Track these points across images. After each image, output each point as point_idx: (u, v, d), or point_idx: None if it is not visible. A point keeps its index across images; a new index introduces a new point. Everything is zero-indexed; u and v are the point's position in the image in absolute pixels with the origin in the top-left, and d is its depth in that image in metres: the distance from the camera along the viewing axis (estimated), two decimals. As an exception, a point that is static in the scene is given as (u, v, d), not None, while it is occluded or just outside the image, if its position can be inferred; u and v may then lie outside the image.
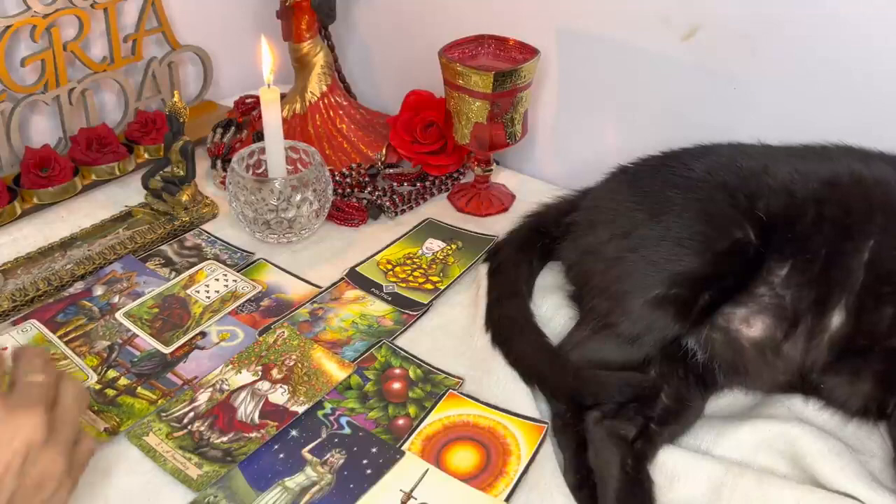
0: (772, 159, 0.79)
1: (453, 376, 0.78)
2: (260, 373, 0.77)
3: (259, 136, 1.09)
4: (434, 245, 0.98)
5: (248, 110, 1.19)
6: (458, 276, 0.92)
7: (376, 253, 0.96)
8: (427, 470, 0.68)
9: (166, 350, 0.80)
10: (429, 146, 1.08)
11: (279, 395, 0.74)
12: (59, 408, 0.57)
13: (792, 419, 0.71)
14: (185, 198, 0.99)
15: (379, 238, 0.99)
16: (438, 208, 1.06)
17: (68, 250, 0.93)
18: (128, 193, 1.05)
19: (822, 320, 0.73)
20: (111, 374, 0.76)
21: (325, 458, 0.68)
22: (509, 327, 0.80)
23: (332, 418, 0.73)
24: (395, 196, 1.05)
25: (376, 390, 0.76)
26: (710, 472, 0.66)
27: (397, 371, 0.78)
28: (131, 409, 0.72)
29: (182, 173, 0.98)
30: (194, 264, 0.92)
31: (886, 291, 0.71)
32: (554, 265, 0.90)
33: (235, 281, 0.90)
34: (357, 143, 1.12)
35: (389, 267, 0.93)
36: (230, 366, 0.78)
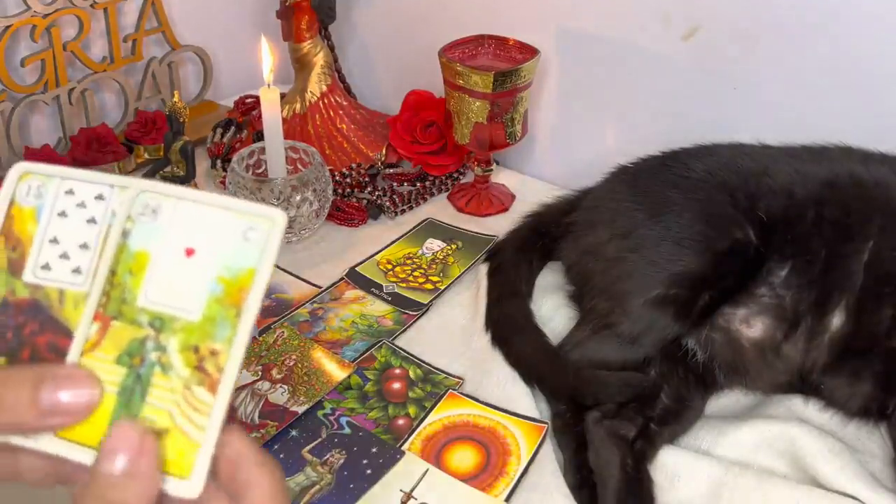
0: (772, 160, 0.79)
1: (453, 376, 0.78)
2: (260, 373, 0.77)
3: (259, 136, 1.09)
4: (434, 245, 0.98)
5: (248, 110, 1.19)
6: (458, 276, 0.92)
7: (376, 253, 0.96)
8: (427, 470, 0.68)
9: None
10: (429, 146, 1.08)
11: (279, 395, 0.74)
12: None
13: (792, 419, 0.71)
14: (185, 198, 0.99)
15: (379, 238, 0.99)
16: (438, 208, 1.06)
17: (68, 250, 0.93)
18: (128, 193, 1.05)
19: (823, 321, 0.73)
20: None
21: (325, 458, 0.68)
22: (509, 327, 0.80)
23: (331, 418, 0.73)
24: (395, 196, 1.05)
25: (376, 390, 0.76)
26: (710, 472, 0.66)
27: (397, 371, 0.78)
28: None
29: (182, 173, 0.98)
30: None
31: (886, 292, 0.71)
32: (554, 265, 0.90)
33: (100, 198, 0.39)
34: (357, 143, 1.12)
35: (389, 267, 0.93)
36: (230, 366, 0.77)
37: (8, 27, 0.98)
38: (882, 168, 0.76)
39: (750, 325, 0.74)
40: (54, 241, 0.39)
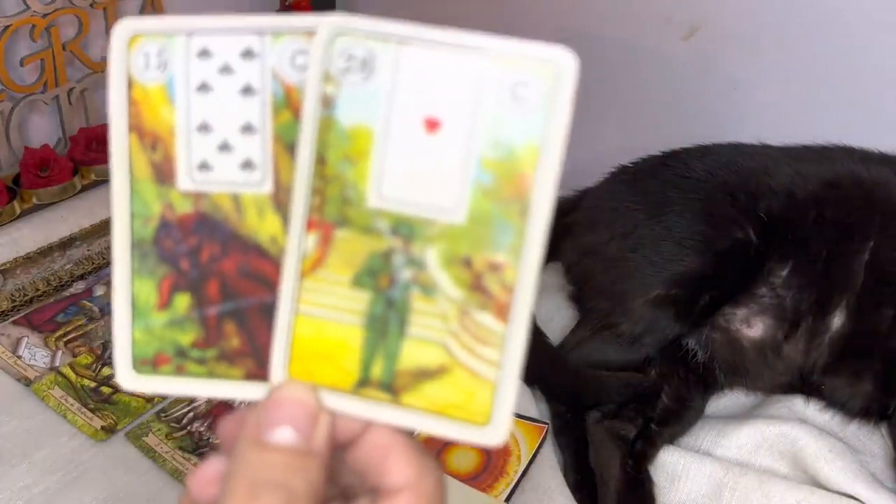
0: (772, 160, 0.79)
1: (453, 376, 0.78)
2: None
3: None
4: (434, 245, 0.97)
5: (247, 110, 1.19)
6: (458, 277, 0.91)
7: (376, 253, 0.95)
8: (427, 470, 0.67)
9: None
10: (429, 146, 1.08)
11: (279, 396, 0.74)
12: None
13: (793, 420, 0.70)
14: (184, 197, 0.99)
15: (379, 238, 0.99)
16: (438, 208, 1.06)
17: (68, 250, 0.93)
18: (127, 193, 1.05)
19: (823, 321, 0.73)
20: (106, 371, 0.76)
21: (325, 458, 0.68)
22: (509, 327, 0.80)
23: (331, 418, 0.72)
24: (394, 196, 1.04)
25: (376, 390, 0.76)
26: (711, 473, 0.66)
27: (397, 371, 0.78)
28: (127, 407, 0.72)
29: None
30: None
31: (886, 292, 0.71)
32: (554, 265, 0.90)
33: None
34: (357, 143, 1.12)
35: (389, 267, 0.93)
36: (230, 366, 0.77)
37: (7, 27, 0.98)
38: (882, 168, 0.76)
39: (750, 325, 0.74)
40: (204, 127, 0.28)
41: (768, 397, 0.76)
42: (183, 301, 0.28)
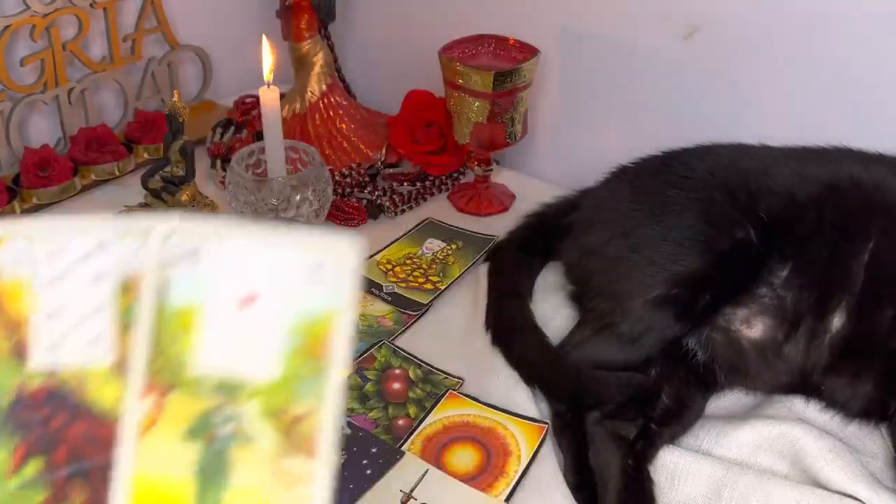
0: (773, 161, 0.79)
1: (453, 376, 0.78)
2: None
3: (259, 136, 1.09)
4: (434, 245, 0.97)
5: (247, 110, 1.19)
6: (458, 277, 0.92)
7: (376, 253, 0.96)
8: (427, 470, 0.67)
9: None
10: (429, 146, 1.08)
11: (279, 396, 0.74)
12: None
13: (793, 420, 0.70)
14: (184, 198, 0.99)
15: (379, 238, 0.99)
16: (438, 208, 1.06)
17: (67, 250, 0.93)
18: (127, 193, 1.05)
19: (823, 321, 0.73)
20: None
21: (325, 458, 0.68)
22: (509, 327, 0.80)
23: (331, 418, 0.72)
24: (395, 196, 1.05)
25: (376, 390, 0.76)
26: (711, 473, 0.66)
27: (397, 371, 0.78)
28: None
29: (182, 173, 0.98)
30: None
31: (886, 293, 0.71)
32: (554, 265, 0.90)
33: None
34: (357, 143, 1.12)
35: (389, 267, 0.93)
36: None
37: (7, 27, 0.98)
38: (882, 169, 0.76)
39: (750, 325, 0.74)
40: (57, 312, 0.33)
41: (768, 397, 0.76)
42: (35, 465, 0.33)
